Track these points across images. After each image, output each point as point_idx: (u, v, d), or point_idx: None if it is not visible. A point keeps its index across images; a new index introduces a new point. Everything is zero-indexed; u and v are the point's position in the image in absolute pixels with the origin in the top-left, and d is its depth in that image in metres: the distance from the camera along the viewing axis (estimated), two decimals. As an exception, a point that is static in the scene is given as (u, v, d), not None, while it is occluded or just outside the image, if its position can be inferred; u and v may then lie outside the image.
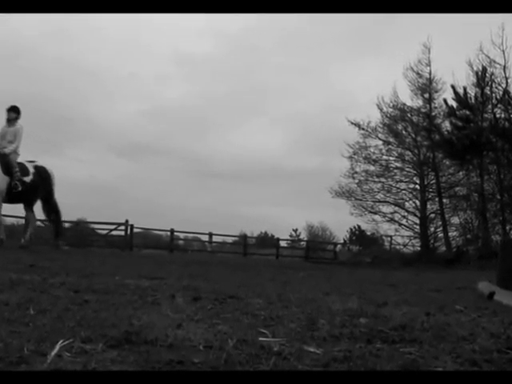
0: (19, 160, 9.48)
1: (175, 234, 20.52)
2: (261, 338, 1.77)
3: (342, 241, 28.43)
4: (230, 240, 25.69)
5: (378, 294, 4.01)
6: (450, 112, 20.87)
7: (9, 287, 2.95)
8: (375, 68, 39.62)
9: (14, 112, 9.44)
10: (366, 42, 41.95)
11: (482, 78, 20.11)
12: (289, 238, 31.89)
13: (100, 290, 3.09)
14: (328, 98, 39.91)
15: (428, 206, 22.40)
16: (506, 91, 19.68)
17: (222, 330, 1.90)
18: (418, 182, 22.71)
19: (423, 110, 22.09)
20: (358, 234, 28.93)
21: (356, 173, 22.60)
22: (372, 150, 22.58)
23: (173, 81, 47.60)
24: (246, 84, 46.69)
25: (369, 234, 25.15)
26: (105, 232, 19.54)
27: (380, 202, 22.71)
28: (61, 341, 1.52)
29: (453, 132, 20.85)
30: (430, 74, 21.79)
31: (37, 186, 9.61)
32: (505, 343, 1.83)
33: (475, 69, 20.22)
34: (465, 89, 20.48)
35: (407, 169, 22.97)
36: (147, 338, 1.66)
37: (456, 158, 20.88)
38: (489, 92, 20.21)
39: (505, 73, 19.59)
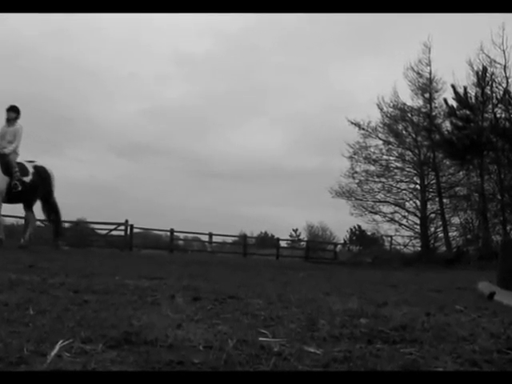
0: (19, 160, 9.48)
1: (175, 234, 20.52)
2: (261, 339, 1.76)
3: (342, 241, 28.50)
4: (229, 240, 25.75)
5: (379, 294, 4.00)
6: (451, 112, 20.88)
7: (8, 287, 2.94)
8: (375, 68, 39.69)
9: (13, 112, 9.44)
10: (365, 41, 41.99)
11: (483, 78, 20.12)
12: (289, 238, 31.96)
13: (100, 290, 3.08)
14: (328, 97, 39.99)
15: (428, 206, 22.41)
16: (506, 91, 19.70)
17: (222, 331, 1.89)
18: (418, 181, 22.73)
19: (423, 110, 22.10)
20: (358, 234, 28.95)
21: (356, 173, 22.65)
22: (372, 150, 22.64)
23: (173, 81, 47.69)
24: (246, 84, 46.77)
25: (369, 234, 25.19)
26: (104, 232, 19.55)
27: (380, 202, 22.74)
28: (60, 341, 1.52)
29: (453, 132, 20.86)
30: (430, 73, 21.84)
31: (36, 186, 9.61)
32: (505, 343, 1.83)
33: (475, 68, 20.28)
34: (465, 88, 20.52)
35: (407, 169, 22.99)
36: (147, 338, 1.65)
37: (456, 158, 20.88)
38: (489, 92, 20.22)
39: (505, 72, 19.65)
